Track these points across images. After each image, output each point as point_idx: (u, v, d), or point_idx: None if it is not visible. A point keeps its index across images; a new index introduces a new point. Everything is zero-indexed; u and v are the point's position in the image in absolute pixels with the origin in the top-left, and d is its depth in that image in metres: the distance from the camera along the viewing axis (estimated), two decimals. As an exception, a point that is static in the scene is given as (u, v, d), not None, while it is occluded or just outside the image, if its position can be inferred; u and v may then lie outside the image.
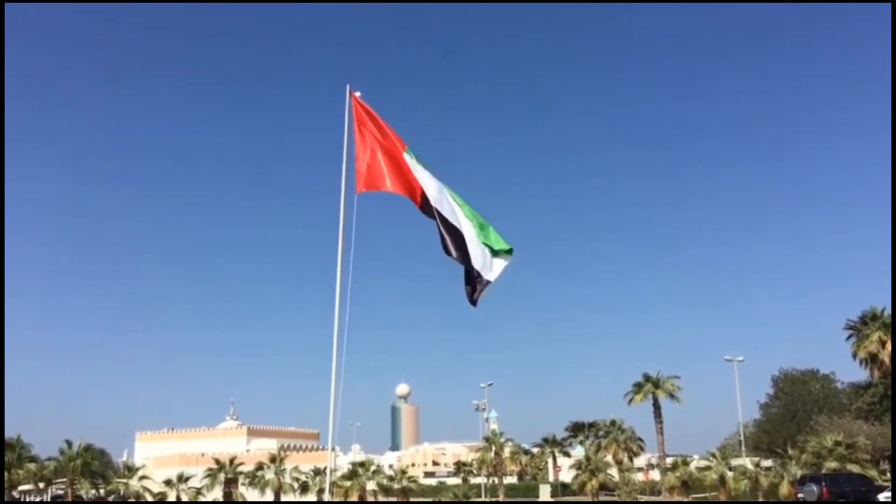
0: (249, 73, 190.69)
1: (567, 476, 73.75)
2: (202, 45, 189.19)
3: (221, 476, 65.23)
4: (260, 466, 69.33)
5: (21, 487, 62.47)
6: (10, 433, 60.24)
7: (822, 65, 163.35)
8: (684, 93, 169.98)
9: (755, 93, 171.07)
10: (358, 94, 10.64)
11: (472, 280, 9.68)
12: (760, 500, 49.12)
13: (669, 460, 64.39)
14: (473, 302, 9.70)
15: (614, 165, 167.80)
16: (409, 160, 10.26)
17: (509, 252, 9.70)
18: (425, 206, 10.04)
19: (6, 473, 55.60)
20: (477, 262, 9.62)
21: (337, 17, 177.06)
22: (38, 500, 64.22)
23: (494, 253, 9.68)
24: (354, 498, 64.45)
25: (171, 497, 61.53)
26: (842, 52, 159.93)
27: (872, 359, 54.34)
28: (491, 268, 9.64)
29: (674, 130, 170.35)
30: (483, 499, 71.67)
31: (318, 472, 66.81)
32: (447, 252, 9.84)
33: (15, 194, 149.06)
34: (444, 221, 9.80)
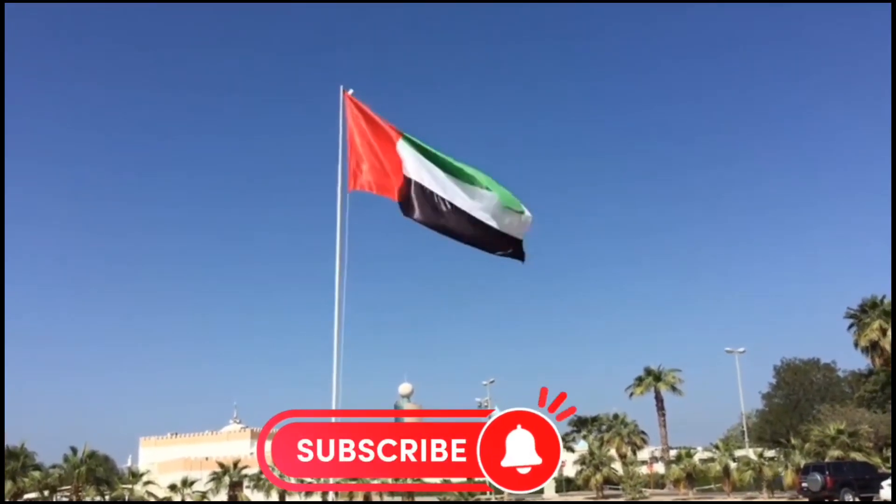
0: (247, 77, 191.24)
1: (571, 471, 73.88)
2: (195, 50, 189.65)
3: (226, 479, 65.31)
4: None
5: (27, 496, 62.60)
6: (14, 441, 60.53)
7: (822, 65, 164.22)
8: (681, 93, 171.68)
9: (750, 92, 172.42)
10: (351, 91, 10.19)
11: (502, 242, 9.40)
12: (764, 490, 49.25)
13: (673, 453, 64.48)
14: (520, 257, 9.47)
15: (617, 166, 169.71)
16: (404, 150, 9.79)
17: (521, 212, 9.38)
18: (406, 204, 9.59)
19: (12, 483, 55.73)
20: (504, 224, 9.34)
21: (335, 17, 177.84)
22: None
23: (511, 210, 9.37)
24: (360, 497, 64.58)
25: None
26: (841, 52, 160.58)
27: (873, 346, 54.41)
28: (519, 224, 9.40)
29: (670, 130, 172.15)
30: (489, 496, 71.77)
31: (322, 473, 66.79)
32: (451, 235, 9.50)
33: (18, 198, 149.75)
34: (451, 207, 9.44)
